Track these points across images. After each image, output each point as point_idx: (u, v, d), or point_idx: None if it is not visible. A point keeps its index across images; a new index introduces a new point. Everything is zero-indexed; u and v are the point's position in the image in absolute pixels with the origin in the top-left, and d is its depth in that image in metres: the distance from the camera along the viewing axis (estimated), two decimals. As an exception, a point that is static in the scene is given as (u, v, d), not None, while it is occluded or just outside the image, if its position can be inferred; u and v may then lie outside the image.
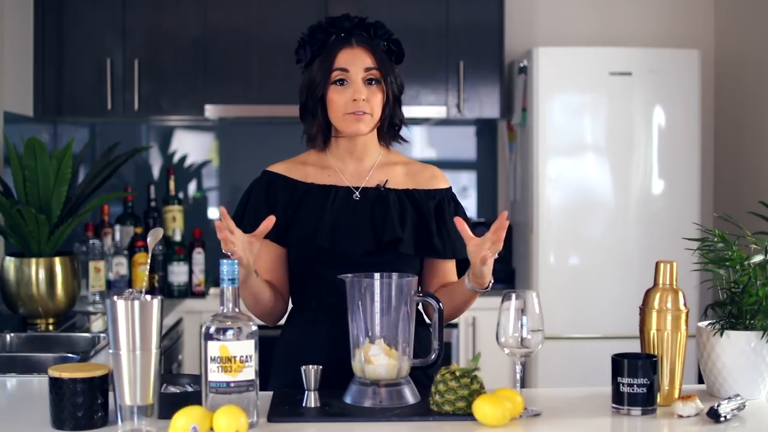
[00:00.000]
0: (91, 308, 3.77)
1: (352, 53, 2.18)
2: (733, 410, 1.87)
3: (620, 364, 1.91)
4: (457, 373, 1.87)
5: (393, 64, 2.25)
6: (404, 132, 2.31)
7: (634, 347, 2.03)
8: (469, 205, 4.76)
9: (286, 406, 1.91)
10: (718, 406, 1.86)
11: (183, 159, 4.69)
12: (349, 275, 1.96)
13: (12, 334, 3.10)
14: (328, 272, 2.13)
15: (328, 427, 1.84)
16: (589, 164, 4.21)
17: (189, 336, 4.04)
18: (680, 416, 1.88)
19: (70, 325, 3.36)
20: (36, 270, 3.27)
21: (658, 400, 1.94)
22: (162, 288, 4.21)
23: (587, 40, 4.65)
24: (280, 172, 2.26)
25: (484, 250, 2.03)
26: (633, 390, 1.89)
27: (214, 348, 1.76)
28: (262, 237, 2.01)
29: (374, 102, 2.18)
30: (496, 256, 2.06)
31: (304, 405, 1.91)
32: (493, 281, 2.14)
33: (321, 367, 1.92)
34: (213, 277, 4.32)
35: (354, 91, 2.16)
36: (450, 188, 2.31)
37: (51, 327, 3.29)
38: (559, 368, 4.10)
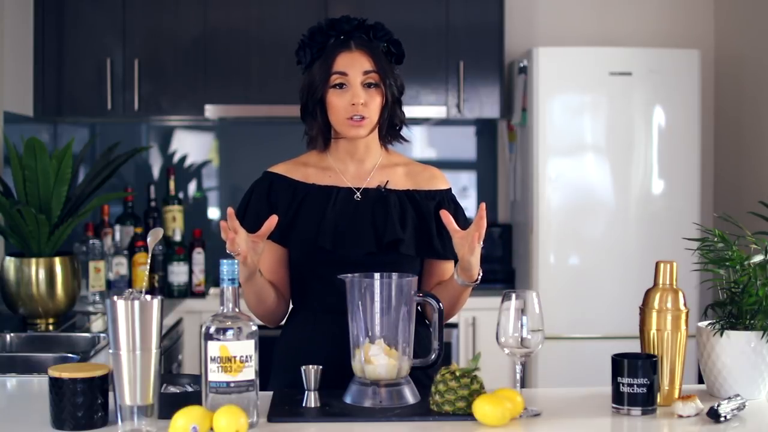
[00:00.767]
0: (91, 308, 3.77)
1: (350, 57, 2.19)
2: (733, 410, 1.87)
3: (620, 364, 1.91)
4: (457, 373, 1.87)
5: (393, 65, 2.25)
6: (405, 132, 2.31)
7: (634, 347, 2.03)
8: (469, 205, 4.76)
9: (286, 406, 1.91)
10: (718, 406, 1.86)
11: (183, 159, 4.69)
12: (349, 275, 1.96)
13: (12, 334, 3.10)
14: (329, 273, 2.13)
15: (328, 427, 1.84)
16: (589, 164, 4.21)
17: (189, 336, 4.04)
18: (680, 416, 1.88)
19: (70, 325, 3.36)
20: (36, 270, 3.27)
21: (658, 400, 1.94)
22: (162, 288, 4.21)
23: (587, 40, 4.65)
24: (281, 173, 2.26)
25: (469, 241, 2.03)
26: (633, 390, 1.89)
27: (214, 348, 1.76)
28: (265, 237, 2.02)
29: (372, 106, 2.18)
30: (482, 245, 2.05)
31: (304, 405, 1.91)
32: (482, 274, 2.13)
33: (321, 367, 1.92)
34: (213, 277, 4.32)
35: (353, 95, 2.17)
36: (450, 189, 2.31)
37: (51, 327, 3.29)
38: (559, 368, 4.10)
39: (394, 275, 1.96)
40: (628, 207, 4.21)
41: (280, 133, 4.45)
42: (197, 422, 1.69)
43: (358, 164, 2.26)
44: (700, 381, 2.18)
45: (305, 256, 2.21)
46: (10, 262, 3.28)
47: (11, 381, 2.36)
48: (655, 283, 2.00)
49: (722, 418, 1.85)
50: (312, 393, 1.91)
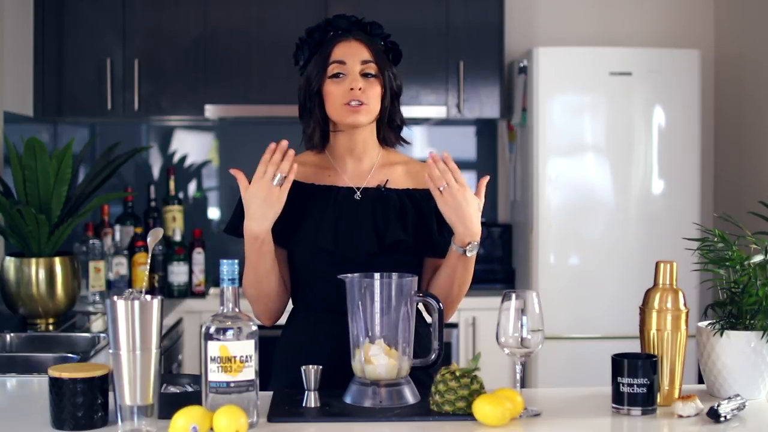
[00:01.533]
0: (91, 308, 3.77)
1: (348, 46, 2.18)
2: (733, 410, 1.87)
3: (620, 364, 1.91)
4: (457, 373, 1.87)
5: (391, 63, 2.25)
6: (405, 133, 2.30)
7: (634, 347, 2.03)
8: (469, 205, 4.76)
9: (286, 406, 1.91)
10: (718, 406, 1.86)
11: (183, 159, 4.69)
12: (349, 275, 1.96)
13: (12, 334, 3.10)
14: (330, 273, 2.12)
15: (328, 427, 1.84)
16: (589, 164, 4.21)
17: (189, 336, 4.04)
18: (680, 416, 1.88)
19: (70, 325, 3.36)
20: (36, 270, 3.27)
21: (658, 400, 1.94)
22: (162, 288, 4.21)
23: (587, 40, 4.65)
24: None
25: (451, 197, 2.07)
26: (633, 390, 1.89)
27: (214, 348, 1.76)
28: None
29: (371, 93, 2.17)
30: (478, 210, 2.11)
31: (304, 405, 1.91)
32: (477, 242, 2.11)
33: (321, 367, 1.92)
34: (213, 277, 4.32)
35: (351, 81, 2.16)
36: None
37: (51, 327, 3.29)
38: (559, 368, 4.10)
39: (394, 275, 1.96)
40: (628, 207, 4.21)
41: (280, 133, 4.38)
42: (197, 422, 1.69)
43: (357, 162, 2.25)
44: (700, 381, 2.18)
45: (306, 256, 2.20)
46: (10, 262, 3.28)
47: (11, 381, 2.36)
48: (655, 283, 2.00)
49: (722, 418, 1.85)
50: (312, 393, 1.91)
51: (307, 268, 2.21)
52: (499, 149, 4.77)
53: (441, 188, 2.09)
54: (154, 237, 1.89)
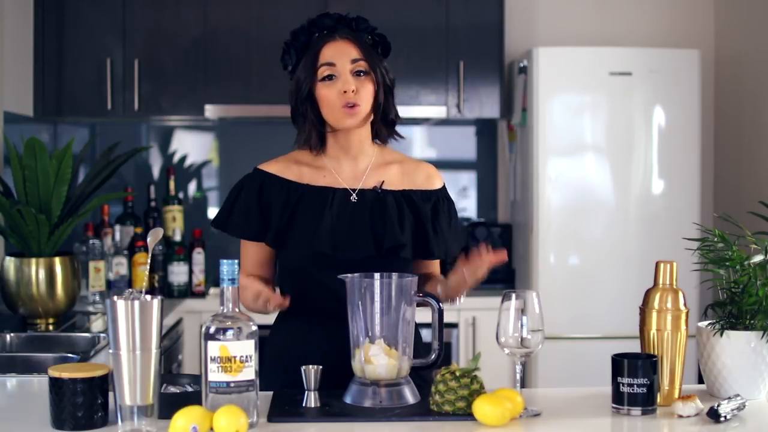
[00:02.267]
0: (91, 308, 3.77)
1: (336, 46, 2.16)
2: (733, 410, 1.87)
3: (620, 364, 1.91)
4: (457, 373, 1.87)
5: (380, 56, 2.22)
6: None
7: (634, 347, 2.03)
8: (469, 205, 4.77)
9: (286, 406, 1.91)
10: (718, 406, 1.86)
11: (183, 159, 4.69)
12: (349, 275, 1.96)
13: (12, 334, 3.10)
14: (326, 276, 2.11)
15: (328, 427, 1.84)
16: (589, 164, 4.21)
17: (189, 336, 4.04)
18: (680, 416, 1.88)
19: (70, 325, 3.36)
20: (36, 270, 3.27)
21: (658, 400, 1.94)
22: (162, 288, 4.21)
23: (587, 40, 4.65)
24: (274, 173, 2.21)
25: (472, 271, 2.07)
26: (633, 390, 1.89)
27: (214, 348, 1.76)
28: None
29: (364, 93, 2.15)
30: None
31: (304, 405, 1.91)
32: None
33: (321, 367, 1.92)
34: (213, 277, 4.32)
35: (343, 83, 2.14)
36: (443, 187, 2.29)
37: (51, 327, 3.29)
38: (559, 368, 4.10)
39: (394, 275, 1.96)
40: (628, 207, 4.21)
41: (280, 133, 4.41)
42: (197, 422, 1.69)
43: (353, 162, 2.23)
44: (700, 381, 2.18)
45: (302, 259, 2.18)
46: (10, 262, 3.28)
47: (11, 381, 2.36)
48: (655, 283, 2.00)
49: (722, 418, 1.85)
50: (312, 393, 1.91)
51: (303, 271, 2.19)
52: (499, 149, 4.77)
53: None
54: (154, 237, 1.89)
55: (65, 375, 1.78)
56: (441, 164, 2.46)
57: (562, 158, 4.19)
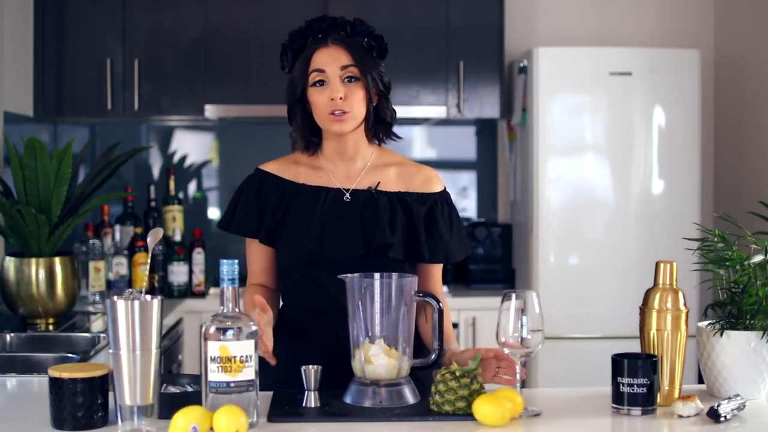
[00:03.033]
0: (91, 308, 3.77)
1: (327, 53, 2.17)
2: (733, 410, 1.87)
3: (620, 364, 1.91)
4: (457, 373, 1.87)
5: (377, 60, 2.22)
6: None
7: (634, 347, 2.03)
8: (469, 205, 4.77)
9: (286, 406, 1.91)
10: (718, 406, 1.86)
11: (183, 159, 4.69)
12: (349, 275, 1.96)
13: (12, 334, 3.10)
14: (316, 274, 2.14)
15: (328, 427, 1.84)
16: (589, 164, 4.21)
17: (189, 336, 4.04)
18: (680, 416, 1.88)
19: (70, 325, 3.36)
20: (36, 270, 3.27)
21: (658, 400, 1.94)
22: (162, 288, 4.21)
23: (587, 40, 4.65)
24: (272, 172, 2.25)
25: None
26: (633, 390, 1.89)
27: (214, 348, 1.76)
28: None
29: (354, 100, 2.15)
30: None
31: (304, 405, 1.91)
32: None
33: (321, 367, 1.92)
34: (213, 277, 4.32)
35: (332, 90, 2.15)
36: (444, 190, 2.28)
37: (51, 327, 3.29)
38: (559, 368, 4.10)
39: (394, 275, 1.96)
40: (628, 207, 4.21)
41: (280, 133, 4.41)
42: (197, 422, 1.69)
43: (349, 164, 2.24)
44: (700, 381, 2.18)
45: (292, 257, 2.20)
46: (10, 262, 3.28)
47: (11, 381, 2.36)
48: (655, 283, 2.00)
49: (722, 418, 1.85)
50: (312, 393, 1.91)
51: (294, 269, 2.21)
52: (499, 149, 4.77)
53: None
54: (154, 237, 1.89)
55: (65, 375, 1.78)
56: (441, 164, 2.46)
57: (562, 158, 4.19)
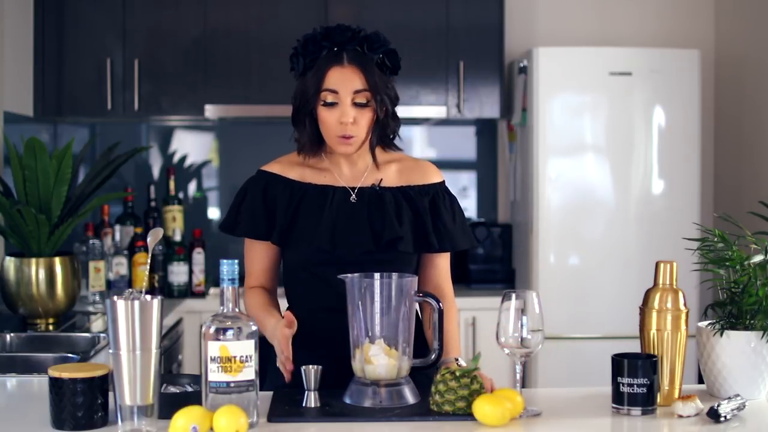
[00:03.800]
0: (91, 308, 3.77)
1: (342, 73, 2.16)
2: (733, 410, 1.87)
3: (620, 364, 1.91)
4: (457, 373, 1.87)
5: (388, 77, 2.22)
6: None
7: (634, 347, 2.03)
8: (469, 205, 4.76)
9: (286, 406, 1.91)
10: (718, 406, 1.86)
11: (183, 159, 4.69)
12: (349, 275, 1.96)
13: (12, 334, 3.10)
14: (327, 273, 2.14)
15: (328, 427, 1.84)
16: (589, 164, 4.21)
17: (189, 336, 4.04)
18: (680, 416, 1.88)
19: (70, 325, 3.36)
20: (36, 270, 3.27)
21: (658, 400, 1.94)
22: (162, 288, 4.21)
23: (587, 40, 4.65)
24: (277, 173, 2.25)
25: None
26: (633, 390, 1.89)
27: (214, 348, 1.76)
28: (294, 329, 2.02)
29: (362, 123, 2.17)
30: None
31: (304, 405, 1.91)
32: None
33: (321, 367, 1.92)
34: (213, 277, 4.32)
35: (342, 113, 2.15)
36: (443, 182, 2.31)
37: (51, 327, 3.28)
38: (559, 368, 4.10)
39: (394, 275, 1.96)
40: (628, 207, 4.21)
41: (280, 133, 4.41)
42: (197, 422, 1.69)
43: (352, 165, 2.26)
44: (700, 381, 2.18)
45: (303, 256, 2.21)
46: (10, 262, 3.28)
47: (11, 381, 2.36)
48: (655, 283, 2.00)
49: (722, 418, 1.85)
50: (312, 393, 1.92)
51: (304, 268, 2.22)
52: (499, 149, 4.77)
53: None
54: (154, 237, 1.89)
55: (65, 375, 1.78)
56: (441, 164, 2.45)
57: (562, 158, 4.19)
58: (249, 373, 1.78)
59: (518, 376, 1.95)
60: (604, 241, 4.20)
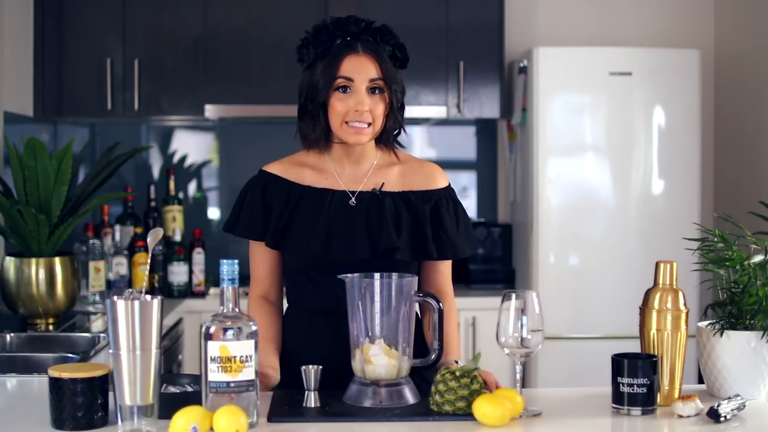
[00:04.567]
0: (91, 308, 3.77)
1: (357, 61, 2.14)
2: (733, 410, 1.87)
3: (620, 364, 1.91)
4: (457, 373, 1.87)
5: (397, 70, 2.21)
6: (402, 135, 2.28)
7: (634, 347, 2.03)
8: (469, 205, 4.76)
9: (286, 406, 1.91)
10: (718, 406, 1.86)
11: (183, 159, 4.69)
12: (349, 275, 1.96)
13: (12, 334, 3.10)
14: (322, 277, 2.13)
15: (328, 427, 1.84)
16: (589, 164, 4.21)
17: (189, 336, 4.04)
18: (680, 416, 1.88)
19: (70, 325, 3.36)
20: (36, 270, 3.27)
21: (658, 400, 1.94)
22: (162, 288, 4.21)
23: (587, 40, 4.65)
24: (276, 173, 2.23)
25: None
26: (633, 390, 1.89)
27: (214, 348, 1.76)
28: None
29: (377, 112, 2.14)
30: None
31: (304, 405, 1.91)
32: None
33: (321, 367, 1.92)
34: (213, 277, 4.32)
35: (357, 101, 2.12)
36: (449, 186, 2.28)
37: (51, 327, 3.29)
38: (559, 368, 4.10)
39: (394, 275, 1.96)
40: (628, 207, 4.21)
41: (280, 133, 4.43)
42: (197, 422, 1.69)
43: (355, 166, 2.23)
44: (700, 381, 2.18)
45: (298, 259, 2.19)
46: (10, 262, 3.28)
47: (11, 381, 2.36)
48: (655, 283, 2.00)
49: (722, 418, 1.85)
50: (312, 393, 1.91)
51: (300, 272, 2.21)
52: (499, 149, 4.77)
53: None
54: (154, 237, 1.89)
55: (65, 375, 1.78)
56: (441, 164, 2.45)
57: (562, 158, 4.19)
58: (249, 373, 1.77)
59: (518, 376, 1.95)
60: (604, 241, 4.20)
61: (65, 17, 4.25)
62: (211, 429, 1.70)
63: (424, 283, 2.26)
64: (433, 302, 2.02)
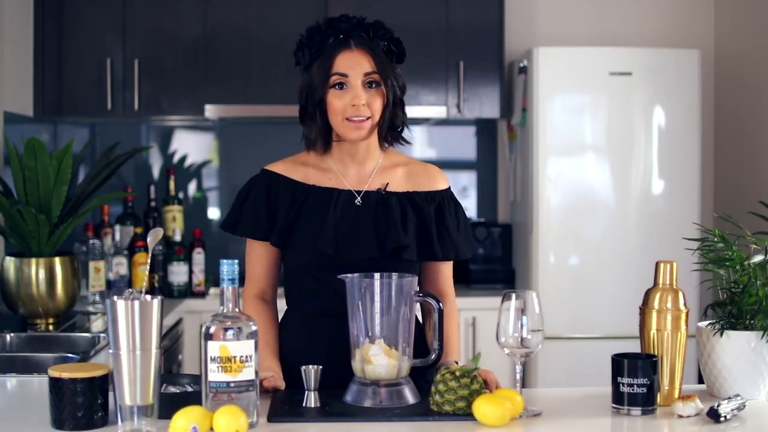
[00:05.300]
0: (91, 308, 3.77)
1: (350, 57, 2.15)
2: (733, 410, 1.87)
3: (620, 364, 1.91)
4: (457, 373, 1.87)
5: (394, 64, 2.21)
6: (406, 134, 2.28)
7: (634, 347, 2.03)
8: (469, 205, 4.76)
9: (286, 406, 1.91)
10: (718, 406, 1.86)
11: (183, 159, 4.69)
12: (349, 275, 1.96)
13: (12, 334, 3.10)
14: (329, 277, 2.11)
15: (328, 427, 1.84)
16: (589, 164, 4.21)
17: (189, 336, 4.04)
18: (680, 416, 1.88)
19: (70, 325, 3.36)
20: (36, 270, 3.27)
21: (658, 400, 1.94)
22: (162, 288, 4.21)
23: (587, 40, 4.65)
24: (281, 173, 2.23)
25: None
26: (633, 390, 1.89)
27: (214, 348, 1.76)
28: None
29: (374, 106, 2.15)
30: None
31: (304, 405, 1.91)
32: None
33: (321, 367, 1.92)
34: (213, 277, 4.32)
35: (353, 96, 2.13)
36: (449, 188, 2.29)
37: (51, 327, 3.29)
38: (559, 368, 4.10)
39: (394, 275, 1.96)
40: (628, 207, 4.21)
41: (280, 133, 4.44)
42: (197, 422, 1.69)
43: (359, 166, 2.23)
44: (700, 381, 2.18)
45: (305, 259, 2.18)
46: (10, 262, 3.28)
47: (11, 381, 2.36)
48: (655, 283, 2.00)
49: (722, 418, 1.85)
50: (312, 393, 1.91)
51: (306, 272, 2.20)
52: (499, 149, 4.77)
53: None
54: (154, 237, 1.89)
55: (65, 375, 1.78)
56: (441, 164, 2.45)
57: (562, 158, 4.19)
58: (249, 373, 1.77)
59: (518, 376, 1.95)
60: (604, 241, 4.20)
61: (65, 17, 4.25)
62: (211, 429, 1.71)
63: (427, 285, 2.27)
64: (433, 302, 2.02)
